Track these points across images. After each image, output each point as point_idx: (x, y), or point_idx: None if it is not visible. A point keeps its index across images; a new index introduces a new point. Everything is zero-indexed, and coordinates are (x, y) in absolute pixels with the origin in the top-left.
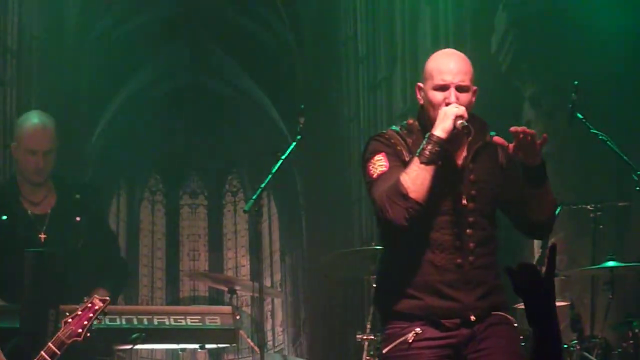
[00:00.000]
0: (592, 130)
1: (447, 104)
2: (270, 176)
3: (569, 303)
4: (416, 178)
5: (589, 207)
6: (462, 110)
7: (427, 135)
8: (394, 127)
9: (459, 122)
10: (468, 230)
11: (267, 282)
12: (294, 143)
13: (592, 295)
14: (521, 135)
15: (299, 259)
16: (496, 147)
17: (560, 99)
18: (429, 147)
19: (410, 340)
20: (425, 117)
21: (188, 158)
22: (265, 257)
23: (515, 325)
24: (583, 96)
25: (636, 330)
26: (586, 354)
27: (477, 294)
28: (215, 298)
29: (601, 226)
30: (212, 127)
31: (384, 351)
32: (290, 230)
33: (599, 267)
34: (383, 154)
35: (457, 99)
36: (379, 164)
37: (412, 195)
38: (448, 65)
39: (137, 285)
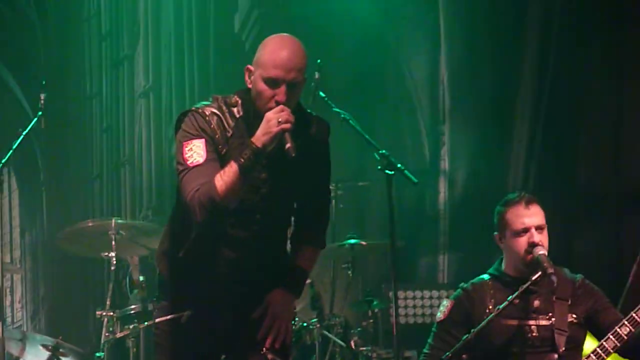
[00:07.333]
0: (334, 109)
1: (277, 102)
2: (11, 152)
3: (309, 281)
4: (231, 185)
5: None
6: (288, 120)
7: (248, 144)
8: (211, 103)
9: (288, 145)
10: (261, 228)
11: (7, 259)
12: (35, 119)
13: (332, 273)
14: None
15: (39, 235)
16: (313, 138)
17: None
18: (249, 156)
19: (182, 321)
20: (250, 102)
21: None
22: (5, 234)
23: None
24: (325, 75)
25: (376, 310)
26: (326, 332)
27: (257, 288)
28: None
29: (342, 205)
30: None
31: (155, 320)
32: (30, 206)
33: (339, 245)
34: (204, 141)
35: (287, 98)
36: (197, 150)
37: (223, 202)
38: (283, 59)
39: None
